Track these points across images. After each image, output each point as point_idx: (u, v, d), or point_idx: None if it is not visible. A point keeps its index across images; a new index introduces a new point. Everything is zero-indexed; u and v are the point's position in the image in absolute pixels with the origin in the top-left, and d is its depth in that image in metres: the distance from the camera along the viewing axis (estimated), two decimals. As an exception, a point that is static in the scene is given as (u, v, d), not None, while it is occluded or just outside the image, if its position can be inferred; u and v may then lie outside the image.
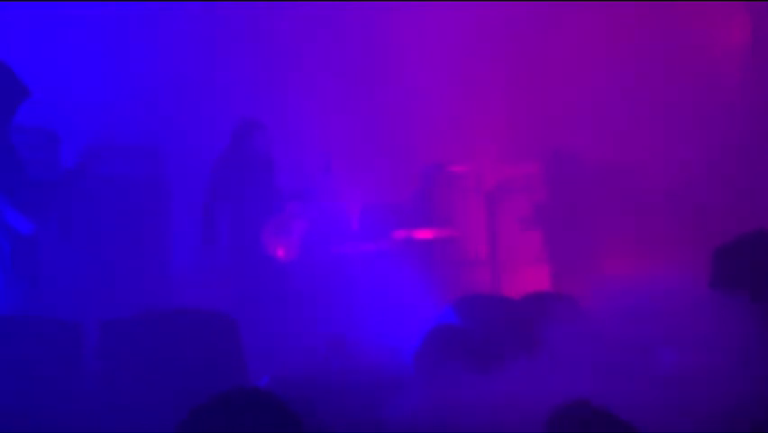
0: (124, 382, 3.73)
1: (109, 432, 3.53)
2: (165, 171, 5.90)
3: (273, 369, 4.30)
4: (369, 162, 7.15)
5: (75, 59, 6.20)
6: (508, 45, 7.18)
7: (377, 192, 7.04)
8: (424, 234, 6.84)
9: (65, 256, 4.97)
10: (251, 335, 4.25)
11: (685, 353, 3.64)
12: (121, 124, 6.08)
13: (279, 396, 2.88)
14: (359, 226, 6.80)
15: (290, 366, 4.44)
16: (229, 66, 6.93)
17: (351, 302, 6.00)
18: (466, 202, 7.23)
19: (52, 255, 4.83)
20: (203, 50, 6.85)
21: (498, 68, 7.23)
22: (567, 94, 6.95)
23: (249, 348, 4.12)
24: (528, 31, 7.10)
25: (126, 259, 5.42)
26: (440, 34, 7.25)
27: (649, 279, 3.85)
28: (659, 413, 3.16)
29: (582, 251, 6.58)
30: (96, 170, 5.53)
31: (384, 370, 4.26)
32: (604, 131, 6.71)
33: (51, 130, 5.10)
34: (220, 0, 6.84)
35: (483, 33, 7.21)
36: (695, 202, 6.43)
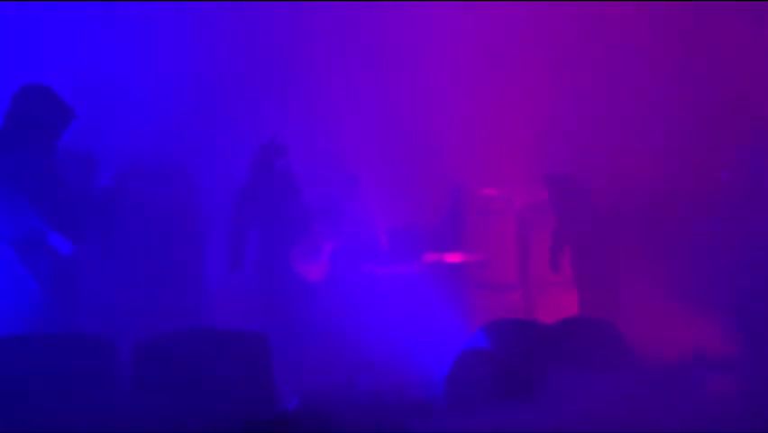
0: (157, 399, 3.77)
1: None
2: (197, 190, 5.99)
3: (302, 389, 4.31)
4: (399, 185, 7.17)
5: (107, 81, 6.34)
6: (539, 67, 7.18)
7: (407, 215, 7.05)
8: (454, 257, 6.83)
9: (103, 274, 5.06)
10: (280, 354, 4.27)
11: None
12: (153, 144, 6.19)
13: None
14: (389, 249, 6.81)
15: (319, 387, 4.45)
16: (260, 85, 7.01)
17: (380, 324, 6.00)
18: (496, 225, 7.21)
19: (91, 274, 4.92)
20: (231, 68, 6.95)
21: (530, 90, 7.23)
22: (599, 115, 6.92)
23: (278, 367, 4.14)
24: (559, 53, 7.10)
25: (160, 277, 5.50)
26: (471, 57, 7.28)
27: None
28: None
29: (609, 276, 6.50)
30: (132, 189, 5.63)
31: (413, 392, 4.25)
32: (637, 152, 6.65)
33: (89, 151, 5.21)
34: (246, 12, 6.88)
35: (515, 56, 7.22)
36: (726, 233, 6.32)
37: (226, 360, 3.92)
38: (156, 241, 5.64)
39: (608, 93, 6.88)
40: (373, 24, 7.11)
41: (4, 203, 4.72)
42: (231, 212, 5.82)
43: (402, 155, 7.29)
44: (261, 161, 5.88)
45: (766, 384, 4.23)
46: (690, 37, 6.70)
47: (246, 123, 6.77)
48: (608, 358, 4.59)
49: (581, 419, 3.83)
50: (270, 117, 6.75)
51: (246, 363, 3.96)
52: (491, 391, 4.06)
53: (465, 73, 7.27)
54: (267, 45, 7.08)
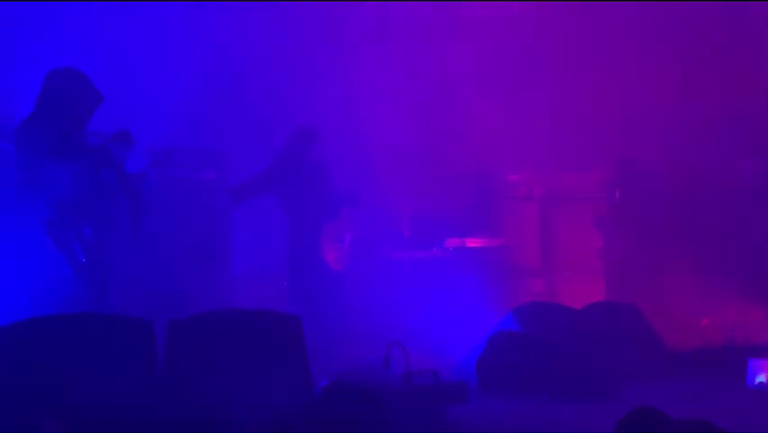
0: (192, 377, 3.80)
1: (176, 424, 3.59)
2: (227, 174, 6.01)
3: (332, 373, 4.33)
4: (423, 170, 7.16)
5: (138, 67, 6.35)
6: (563, 53, 7.14)
7: (431, 200, 7.04)
8: (476, 242, 6.82)
9: (134, 257, 5.09)
10: (309, 338, 4.29)
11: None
12: (185, 127, 6.20)
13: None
14: (412, 234, 6.81)
15: (350, 370, 4.46)
16: (290, 70, 7.01)
17: (406, 308, 6.01)
18: (519, 210, 7.20)
19: (122, 256, 4.95)
20: (260, 55, 6.95)
21: (552, 77, 7.19)
22: (621, 103, 6.87)
23: (311, 351, 4.15)
24: (586, 38, 7.05)
25: (191, 259, 5.53)
26: (497, 43, 7.25)
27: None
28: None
29: (639, 261, 6.49)
30: (164, 172, 5.65)
31: (446, 375, 4.26)
32: (667, 141, 6.61)
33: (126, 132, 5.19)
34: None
35: (539, 41, 7.18)
36: (755, 215, 6.29)
37: (260, 339, 3.94)
38: (183, 225, 5.66)
39: (635, 79, 6.83)
40: (400, 12, 7.09)
41: (37, 187, 4.76)
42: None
43: (426, 141, 7.28)
44: (293, 147, 5.89)
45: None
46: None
47: (275, 109, 6.78)
48: (635, 342, 4.60)
49: (613, 404, 3.84)
50: (299, 104, 6.75)
51: (281, 344, 3.97)
52: (525, 374, 4.07)
53: (491, 59, 7.24)
54: (296, 32, 7.07)
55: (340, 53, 7.15)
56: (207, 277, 5.60)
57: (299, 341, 4.02)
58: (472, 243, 6.79)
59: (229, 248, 5.92)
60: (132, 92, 6.01)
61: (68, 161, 4.79)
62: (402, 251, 6.62)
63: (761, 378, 4.27)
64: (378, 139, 7.06)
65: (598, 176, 6.91)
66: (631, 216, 6.62)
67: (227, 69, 6.70)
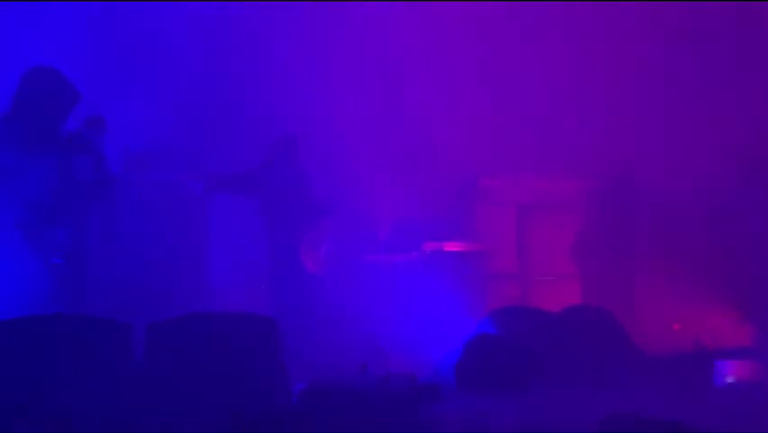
0: (170, 380, 3.78)
1: (155, 427, 3.58)
2: (205, 177, 5.99)
3: (309, 376, 4.34)
4: (401, 175, 7.20)
5: (116, 69, 6.30)
6: (545, 60, 7.21)
7: (409, 204, 7.08)
8: (454, 246, 6.88)
9: (111, 259, 5.05)
10: (288, 341, 4.29)
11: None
12: (163, 130, 6.17)
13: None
14: (390, 238, 6.84)
15: (328, 373, 4.48)
16: (269, 76, 7.01)
17: (384, 311, 6.03)
18: (497, 216, 7.26)
19: (98, 257, 4.91)
20: (244, 59, 6.94)
21: (532, 83, 7.26)
22: (602, 107, 6.96)
23: (288, 354, 4.16)
24: (568, 47, 7.13)
25: (168, 261, 5.50)
26: (477, 47, 7.31)
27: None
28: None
29: (614, 266, 6.59)
30: (138, 175, 5.62)
31: (422, 377, 4.29)
32: (640, 145, 6.71)
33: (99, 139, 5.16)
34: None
35: (521, 46, 7.25)
36: (728, 222, 6.41)
37: (238, 342, 3.94)
38: (160, 228, 5.63)
39: (615, 86, 6.92)
40: (376, 17, 7.12)
41: (11, 187, 4.71)
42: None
43: (404, 146, 7.31)
44: (275, 154, 5.90)
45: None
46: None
47: (254, 115, 6.77)
48: (608, 346, 4.67)
49: (585, 404, 3.89)
50: (277, 110, 6.75)
51: (259, 348, 3.98)
52: (502, 377, 4.12)
53: (470, 64, 7.30)
54: (274, 38, 7.07)
55: (318, 59, 7.17)
56: (184, 280, 5.58)
57: (277, 344, 4.02)
58: (450, 247, 6.84)
59: (206, 251, 5.90)
60: (110, 94, 5.96)
61: (44, 160, 4.74)
62: (380, 255, 6.65)
63: (729, 378, 4.37)
64: (357, 144, 7.08)
65: (575, 183, 7.00)
66: (606, 222, 6.72)
67: (207, 74, 6.68)
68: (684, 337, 5.60)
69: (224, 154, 6.36)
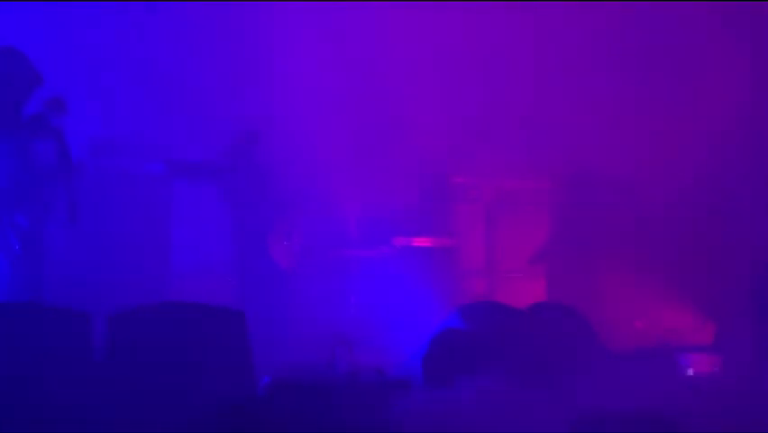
0: (132, 373, 3.70)
1: (117, 420, 3.50)
2: (168, 166, 5.89)
3: (276, 370, 4.29)
4: (370, 170, 7.18)
5: (83, 55, 6.17)
6: (514, 57, 7.25)
7: (378, 199, 7.07)
8: (423, 241, 6.88)
9: (71, 247, 4.93)
10: (254, 334, 4.24)
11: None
12: (126, 119, 6.06)
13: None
14: (359, 232, 6.82)
15: (294, 367, 4.43)
16: (230, 68, 6.94)
17: (352, 306, 6.02)
18: (465, 212, 7.29)
19: (59, 245, 4.79)
20: (210, 50, 6.86)
21: (500, 80, 7.30)
22: (569, 104, 7.02)
23: (255, 349, 4.11)
24: (537, 41, 7.18)
25: (129, 252, 5.39)
26: (446, 44, 7.32)
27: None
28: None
29: (577, 263, 6.67)
30: (102, 163, 5.50)
31: (391, 370, 4.28)
32: (608, 145, 6.79)
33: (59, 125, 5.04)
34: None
35: (491, 43, 7.28)
36: (695, 223, 6.53)
37: (203, 335, 3.87)
38: (122, 217, 5.53)
39: (585, 83, 6.99)
40: (348, 12, 7.08)
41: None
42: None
43: (374, 140, 7.30)
44: (236, 148, 5.85)
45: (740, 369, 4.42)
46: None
47: (219, 106, 6.68)
48: (574, 341, 4.71)
49: (552, 399, 3.92)
50: (243, 102, 6.68)
51: (223, 339, 3.91)
52: (467, 369, 4.12)
53: (440, 60, 7.31)
54: (240, 31, 6.99)
55: (285, 53, 7.12)
56: (147, 270, 5.48)
57: (243, 337, 3.96)
58: (420, 242, 6.84)
59: (169, 241, 5.81)
60: (74, 81, 5.82)
61: (2, 145, 4.61)
62: (349, 249, 6.62)
63: (689, 371, 4.44)
64: (325, 138, 7.04)
65: (543, 180, 7.06)
66: (572, 219, 6.79)
67: (177, 64, 6.58)
68: (646, 335, 5.69)
69: (190, 145, 6.27)
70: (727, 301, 5.56)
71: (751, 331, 4.99)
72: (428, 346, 4.35)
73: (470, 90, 7.26)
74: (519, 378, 4.09)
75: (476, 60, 7.27)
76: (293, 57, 7.10)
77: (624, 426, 2.97)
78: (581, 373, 4.35)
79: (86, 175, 5.25)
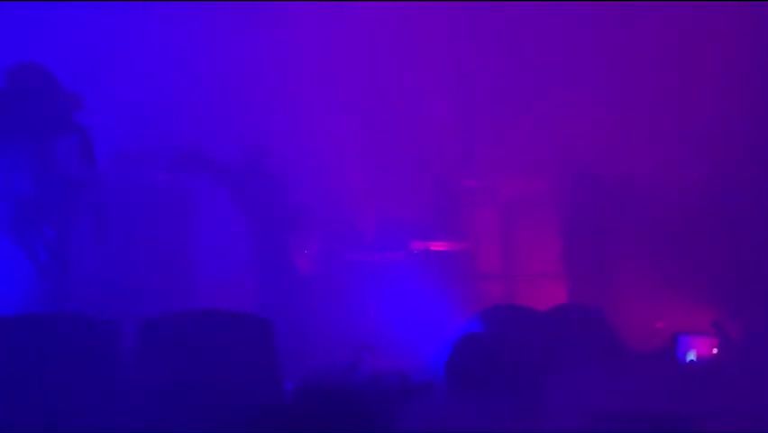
0: (161, 379, 3.76)
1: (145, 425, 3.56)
2: (192, 178, 5.97)
3: (299, 375, 4.34)
4: (387, 175, 7.22)
5: (107, 66, 6.25)
6: (526, 59, 7.27)
7: (395, 204, 7.10)
8: (440, 246, 6.91)
9: (98, 257, 5.01)
10: (280, 341, 4.29)
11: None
12: (149, 130, 6.13)
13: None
14: (377, 238, 6.86)
15: (318, 372, 4.48)
16: (256, 78, 7.00)
17: (373, 310, 6.05)
18: (481, 215, 7.31)
19: (86, 256, 4.87)
20: (231, 61, 6.92)
21: (514, 83, 7.31)
22: (583, 108, 7.04)
23: (279, 353, 4.15)
24: (549, 44, 7.19)
25: (156, 259, 5.47)
26: (459, 47, 7.35)
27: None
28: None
29: (597, 265, 6.67)
30: (127, 174, 5.58)
31: (413, 376, 4.31)
32: (621, 145, 6.80)
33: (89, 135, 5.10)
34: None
35: (504, 47, 7.30)
36: (708, 219, 6.52)
37: (231, 341, 3.93)
38: (148, 226, 5.60)
39: (596, 84, 7.00)
40: (361, 18, 7.13)
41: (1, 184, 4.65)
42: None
43: (390, 146, 7.34)
44: (248, 162, 5.93)
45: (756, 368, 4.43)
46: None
47: (240, 114, 6.76)
48: (597, 344, 4.72)
49: (575, 404, 3.94)
50: (262, 109, 6.74)
51: (251, 345, 3.97)
52: (492, 376, 4.15)
53: (453, 65, 7.34)
54: (259, 42, 7.06)
55: (305, 60, 7.17)
56: (172, 277, 5.55)
57: (271, 343, 4.02)
58: (437, 246, 6.87)
59: (194, 249, 5.88)
60: (98, 93, 5.92)
61: (29, 155, 4.70)
62: (367, 254, 6.66)
63: (691, 355, 4.44)
64: (340, 143, 7.09)
65: (560, 181, 7.07)
66: (590, 220, 6.79)
67: (197, 74, 6.66)
68: (667, 335, 5.69)
69: (210, 154, 6.35)
70: (748, 300, 5.55)
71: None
72: (451, 351, 4.38)
73: (483, 92, 7.29)
74: (541, 381, 4.12)
75: (490, 62, 7.29)
76: (304, 62, 7.16)
77: (640, 426, 3.00)
78: (604, 375, 4.37)
79: (111, 185, 5.33)
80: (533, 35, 7.21)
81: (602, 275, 6.59)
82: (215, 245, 6.13)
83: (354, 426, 3.68)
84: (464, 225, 7.26)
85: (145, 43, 6.49)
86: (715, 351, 4.86)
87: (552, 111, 7.11)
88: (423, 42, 7.32)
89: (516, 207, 7.35)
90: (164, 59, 6.53)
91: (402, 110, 7.37)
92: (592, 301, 5.68)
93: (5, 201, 4.66)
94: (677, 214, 6.61)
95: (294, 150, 6.44)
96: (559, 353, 4.35)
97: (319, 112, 7.09)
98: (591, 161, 6.87)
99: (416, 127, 7.38)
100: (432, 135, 7.33)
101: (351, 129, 7.14)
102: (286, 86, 7.06)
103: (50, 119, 4.76)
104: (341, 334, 5.47)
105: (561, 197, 6.89)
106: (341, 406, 3.75)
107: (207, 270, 6.06)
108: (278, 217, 5.95)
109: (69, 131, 4.80)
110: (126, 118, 6.10)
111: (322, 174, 6.80)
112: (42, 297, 4.62)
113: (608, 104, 6.97)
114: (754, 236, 6.13)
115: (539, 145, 7.16)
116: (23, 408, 3.48)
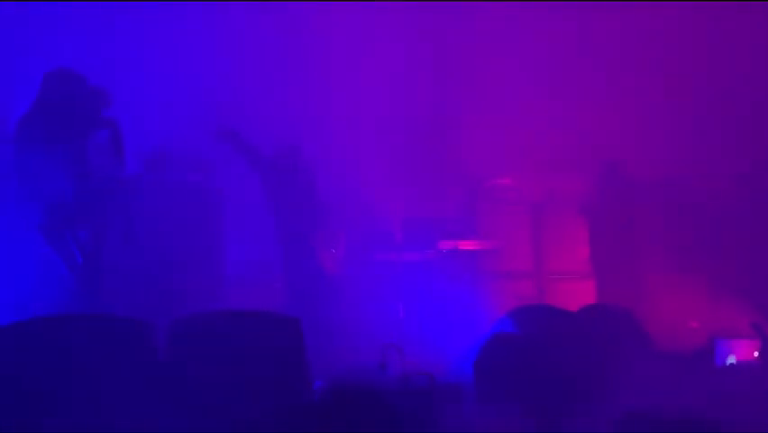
0: (192, 379, 3.80)
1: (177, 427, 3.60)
2: (218, 178, 6.02)
3: (328, 374, 4.36)
4: (415, 173, 7.21)
5: (132, 73, 6.34)
6: (556, 57, 7.21)
7: (423, 203, 7.09)
8: (469, 244, 6.87)
9: (128, 259, 5.09)
10: (308, 341, 4.30)
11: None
12: (175, 133, 6.20)
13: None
14: (405, 237, 6.86)
15: (347, 372, 4.49)
16: (280, 75, 7.03)
17: (400, 310, 6.05)
18: (510, 214, 7.27)
19: (117, 258, 4.94)
20: (254, 59, 6.96)
21: (544, 79, 7.26)
22: (611, 105, 6.96)
23: (308, 353, 4.17)
24: (579, 42, 7.13)
25: (184, 260, 5.53)
26: (488, 46, 7.31)
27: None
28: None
29: (627, 264, 6.58)
30: (157, 175, 5.65)
31: (442, 377, 4.29)
32: (651, 143, 6.72)
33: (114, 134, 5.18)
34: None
35: (530, 45, 7.25)
36: (742, 217, 6.41)
37: (261, 342, 3.95)
38: (176, 227, 5.67)
39: (625, 81, 6.92)
40: (390, 14, 7.13)
41: (34, 187, 4.74)
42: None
43: (419, 144, 7.33)
44: (279, 162, 5.95)
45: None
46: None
47: (265, 112, 6.79)
48: (628, 344, 4.65)
49: (608, 404, 3.89)
50: (287, 109, 6.77)
51: (281, 346, 3.99)
52: (522, 377, 4.12)
53: (481, 63, 7.30)
54: (284, 38, 7.10)
55: (328, 58, 7.19)
56: (201, 278, 5.61)
57: (300, 343, 4.03)
58: (465, 245, 6.84)
59: (221, 249, 5.94)
60: (123, 96, 6.01)
61: (63, 159, 4.78)
62: (395, 253, 6.66)
63: (731, 359, 4.35)
64: (368, 142, 7.10)
65: (589, 180, 7.00)
66: (621, 219, 6.71)
67: (216, 74, 6.71)
68: (702, 335, 5.59)
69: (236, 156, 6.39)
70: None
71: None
72: (479, 352, 4.36)
73: (512, 91, 7.24)
74: (572, 382, 4.07)
75: (520, 60, 7.25)
76: (332, 61, 7.18)
77: (667, 427, 2.94)
78: (635, 376, 4.31)
79: (142, 188, 5.40)
80: (562, 32, 7.15)
81: (632, 274, 6.50)
82: (244, 245, 6.18)
83: (382, 426, 3.68)
84: (493, 225, 7.22)
85: (177, 43, 6.56)
86: (756, 354, 4.76)
87: (581, 110, 7.05)
88: (451, 41, 7.30)
89: (545, 206, 7.29)
90: (195, 59, 6.60)
91: (431, 108, 7.36)
92: (622, 300, 5.60)
93: (39, 204, 4.75)
94: (709, 212, 6.51)
95: (323, 148, 6.46)
96: (590, 353, 4.30)
97: (348, 110, 7.10)
98: (621, 160, 6.79)
99: (445, 126, 7.36)
100: (461, 134, 7.31)
101: (379, 128, 7.14)
102: (316, 85, 7.08)
103: (81, 120, 4.83)
104: (368, 334, 5.47)
105: (590, 195, 6.82)
106: (369, 407, 3.75)
107: (236, 270, 6.11)
108: (307, 217, 5.97)
109: (100, 128, 4.87)
110: (156, 119, 6.17)
111: (349, 173, 6.82)
112: (77, 298, 4.70)
113: (638, 102, 6.90)
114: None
115: (569, 144, 7.10)
116: (57, 408, 3.54)
